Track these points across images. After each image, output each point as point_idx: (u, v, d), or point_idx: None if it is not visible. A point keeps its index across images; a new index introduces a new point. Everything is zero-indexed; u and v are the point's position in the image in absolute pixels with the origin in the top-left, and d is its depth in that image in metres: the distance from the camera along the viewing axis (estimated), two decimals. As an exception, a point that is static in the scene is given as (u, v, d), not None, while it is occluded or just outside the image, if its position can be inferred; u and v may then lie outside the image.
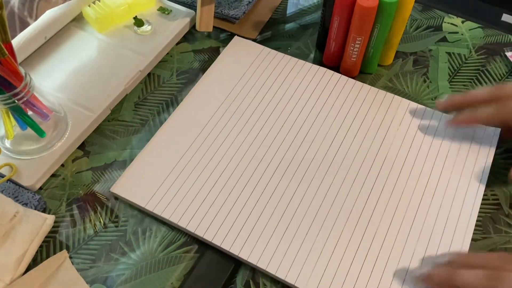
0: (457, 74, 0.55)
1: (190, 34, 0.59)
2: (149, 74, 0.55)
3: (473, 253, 0.41)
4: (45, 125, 0.47)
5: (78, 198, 0.46)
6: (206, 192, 0.45)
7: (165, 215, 0.44)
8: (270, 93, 0.52)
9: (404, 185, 0.46)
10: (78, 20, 0.58)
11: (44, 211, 0.45)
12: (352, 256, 0.42)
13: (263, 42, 0.58)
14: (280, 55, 0.55)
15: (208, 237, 0.42)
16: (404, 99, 0.52)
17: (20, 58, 0.52)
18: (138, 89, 0.54)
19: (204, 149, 0.48)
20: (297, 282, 0.40)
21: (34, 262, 0.42)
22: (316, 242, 0.42)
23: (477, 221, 0.44)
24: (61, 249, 0.43)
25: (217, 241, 0.42)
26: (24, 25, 0.51)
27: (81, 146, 0.49)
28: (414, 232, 0.43)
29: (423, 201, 0.45)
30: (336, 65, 0.55)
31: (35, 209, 0.44)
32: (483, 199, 0.45)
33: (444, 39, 0.58)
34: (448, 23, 0.60)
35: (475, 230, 0.43)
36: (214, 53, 0.57)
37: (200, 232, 0.43)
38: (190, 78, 0.55)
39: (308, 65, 0.54)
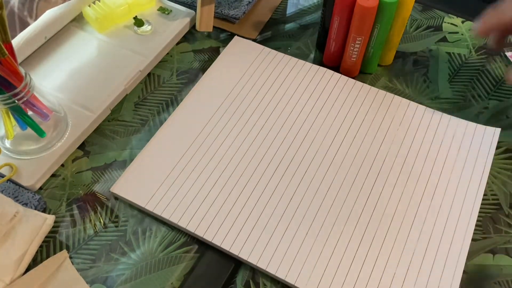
0: (457, 74, 0.55)
1: (190, 34, 0.59)
2: (149, 74, 0.55)
3: None
4: (45, 125, 0.47)
5: (78, 198, 0.46)
6: (206, 192, 0.45)
7: (165, 215, 0.44)
8: (270, 93, 0.52)
9: (404, 185, 0.46)
10: (78, 20, 0.58)
11: (44, 211, 0.45)
12: (352, 256, 0.42)
13: (263, 42, 0.58)
14: (280, 55, 0.55)
15: (208, 237, 0.42)
16: (404, 99, 0.52)
17: (20, 58, 0.52)
18: (138, 89, 0.54)
19: (204, 149, 0.48)
20: (297, 282, 0.40)
21: (34, 262, 0.42)
22: (316, 242, 0.42)
23: (477, 221, 0.44)
24: (61, 249, 0.43)
25: (217, 241, 0.42)
26: (24, 25, 0.51)
27: (81, 146, 0.49)
28: (414, 232, 0.43)
29: (423, 201, 0.45)
30: (336, 65, 0.55)
31: (35, 209, 0.44)
32: (483, 199, 0.45)
33: (444, 39, 0.58)
34: (448, 23, 0.60)
35: (475, 230, 0.43)
36: (214, 53, 0.57)
37: (200, 232, 0.43)
38: (190, 78, 0.55)
39: (308, 65, 0.54)
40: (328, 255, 0.42)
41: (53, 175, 0.47)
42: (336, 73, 0.54)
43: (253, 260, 0.41)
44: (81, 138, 0.49)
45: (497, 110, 0.52)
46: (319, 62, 0.56)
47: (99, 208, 0.45)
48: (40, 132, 0.46)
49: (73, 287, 0.40)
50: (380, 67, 0.55)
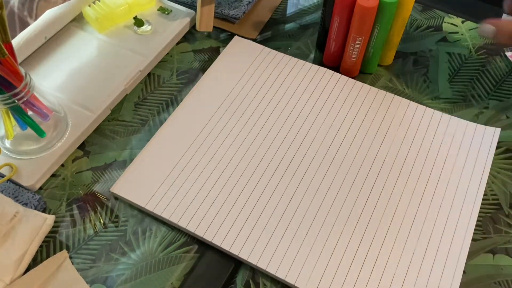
0: (457, 74, 0.55)
1: (190, 34, 0.59)
2: (149, 74, 0.55)
3: None
4: (45, 125, 0.47)
5: (78, 198, 0.46)
6: (206, 192, 0.45)
7: (165, 215, 0.44)
8: (270, 93, 0.52)
9: (404, 185, 0.46)
10: (78, 20, 0.58)
11: (44, 211, 0.45)
12: (352, 256, 0.42)
13: (263, 42, 0.58)
14: (280, 55, 0.55)
15: (208, 237, 0.42)
16: (404, 99, 0.52)
17: (20, 58, 0.52)
18: (138, 89, 0.54)
19: (204, 149, 0.48)
20: (297, 282, 0.40)
21: (34, 262, 0.42)
22: (316, 242, 0.42)
23: (477, 221, 0.44)
24: (61, 249, 0.43)
25: (217, 241, 0.42)
26: (24, 25, 0.51)
27: (81, 146, 0.49)
28: (414, 232, 0.43)
29: (423, 201, 0.45)
30: (336, 65, 0.55)
31: (35, 209, 0.44)
32: (483, 199, 0.45)
33: (444, 39, 0.58)
34: (448, 23, 0.60)
35: (475, 230, 0.43)
36: (214, 53, 0.57)
37: (200, 232, 0.43)
38: (190, 78, 0.55)
39: (308, 65, 0.54)
40: (328, 255, 0.42)
41: (53, 175, 0.47)
42: (336, 73, 0.54)
43: (253, 260, 0.41)
44: (81, 138, 0.49)
45: (497, 110, 0.52)
46: (319, 62, 0.56)
47: (99, 208, 0.45)
48: (40, 132, 0.46)
49: (73, 287, 0.40)
50: (380, 67, 0.55)
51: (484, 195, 0.45)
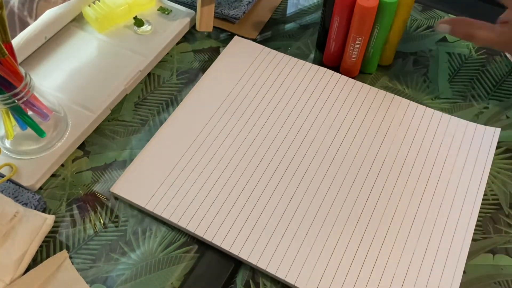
0: (457, 74, 0.55)
1: (190, 34, 0.59)
2: (149, 74, 0.55)
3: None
4: (45, 125, 0.47)
5: (78, 198, 0.46)
6: (206, 192, 0.45)
7: (165, 215, 0.44)
8: (270, 93, 0.52)
9: (404, 185, 0.46)
10: (78, 20, 0.58)
11: (44, 211, 0.45)
12: (352, 256, 0.42)
13: (263, 42, 0.58)
14: (280, 55, 0.55)
15: (208, 237, 0.42)
16: (404, 99, 0.52)
17: (20, 58, 0.52)
18: (138, 89, 0.54)
19: (204, 149, 0.48)
20: (297, 282, 0.40)
21: (34, 262, 0.42)
22: (316, 242, 0.42)
23: (477, 221, 0.44)
24: (61, 249, 0.43)
25: (217, 241, 0.42)
26: (24, 25, 0.51)
27: (81, 146, 0.49)
28: (414, 232, 0.43)
29: (423, 201, 0.45)
30: (336, 65, 0.55)
31: (35, 209, 0.44)
32: (483, 199, 0.45)
33: (444, 39, 0.58)
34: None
35: (475, 230, 0.43)
36: (214, 53, 0.57)
37: (200, 232, 0.43)
38: (190, 78, 0.55)
39: (308, 65, 0.54)
40: (328, 255, 0.42)
41: (53, 175, 0.47)
42: (336, 73, 0.54)
43: (253, 260, 0.41)
44: (81, 138, 0.49)
45: (497, 110, 0.52)
46: (319, 62, 0.56)
47: (99, 208, 0.45)
48: (40, 132, 0.46)
49: (73, 287, 0.40)
50: (380, 67, 0.55)
51: (484, 195, 0.45)
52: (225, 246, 0.42)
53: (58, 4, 0.54)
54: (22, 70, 0.43)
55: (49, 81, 0.52)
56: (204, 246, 0.43)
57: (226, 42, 0.57)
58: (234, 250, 0.42)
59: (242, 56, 0.55)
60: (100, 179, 0.47)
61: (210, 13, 0.56)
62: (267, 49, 0.56)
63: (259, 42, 0.57)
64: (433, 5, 0.61)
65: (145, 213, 0.45)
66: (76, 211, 0.45)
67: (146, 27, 0.57)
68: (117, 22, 0.58)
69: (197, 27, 0.57)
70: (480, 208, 0.45)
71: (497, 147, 0.49)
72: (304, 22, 0.60)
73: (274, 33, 0.59)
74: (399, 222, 0.43)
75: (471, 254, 0.42)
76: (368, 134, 0.49)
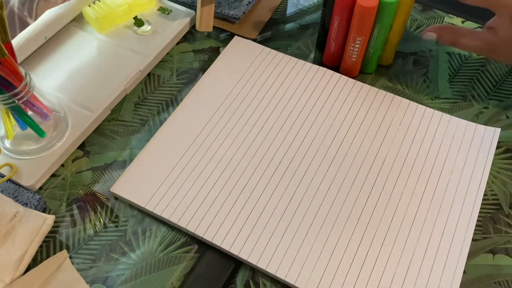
0: (457, 74, 0.55)
1: (190, 34, 0.59)
2: (149, 74, 0.55)
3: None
4: (45, 125, 0.47)
5: (78, 198, 0.46)
6: (206, 192, 0.45)
7: (165, 215, 0.44)
8: (270, 93, 0.52)
9: (404, 185, 0.46)
10: (78, 20, 0.58)
11: (44, 211, 0.45)
12: (352, 256, 0.42)
13: (263, 42, 0.58)
14: (280, 55, 0.55)
15: (208, 237, 0.42)
16: (404, 99, 0.52)
17: (20, 58, 0.52)
18: (138, 89, 0.54)
19: (204, 149, 0.48)
20: (297, 282, 0.40)
21: (34, 262, 0.42)
22: (316, 242, 0.42)
23: (477, 221, 0.44)
24: (61, 249, 0.43)
25: (217, 241, 0.42)
26: (24, 25, 0.51)
27: (81, 146, 0.49)
28: (414, 232, 0.43)
29: (423, 201, 0.45)
30: (336, 65, 0.55)
31: (35, 209, 0.44)
32: (483, 199, 0.45)
33: (444, 39, 0.58)
34: (448, 23, 0.60)
35: (475, 230, 0.43)
36: (214, 53, 0.57)
37: (200, 232, 0.43)
38: (190, 78, 0.55)
39: (308, 65, 0.54)
40: (328, 255, 0.42)
41: (53, 175, 0.47)
42: (336, 73, 0.54)
43: (253, 260, 0.41)
44: (81, 138, 0.49)
45: (497, 110, 0.52)
46: (319, 62, 0.56)
47: (99, 208, 0.45)
48: (40, 132, 0.46)
49: (73, 287, 0.40)
50: (380, 67, 0.55)
51: (484, 195, 0.45)
52: (225, 246, 0.42)
53: (58, 4, 0.54)
54: (22, 70, 0.43)
55: (49, 81, 0.52)
56: (204, 246, 0.43)
57: (226, 42, 0.57)
58: (234, 250, 0.42)
59: (242, 56, 0.55)
60: (100, 179, 0.47)
61: (210, 13, 0.56)
62: (267, 49, 0.56)
63: (259, 42, 0.57)
64: (433, 5, 0.61)
65: (145, 213, 0.45)
66: (76, 211, 0.45)
67: (146, 27, 0.57)
68: (117, 22, 0.58)
69: (197, 27, 0.57)
70: (480, 208, 0.45)
71: (497, 147, 0.49)
72: (304, 22, 0.60)
73: (274, 33, 0.59)
74: (399, 222, 0.43)
75: (471, 254, 0.42)
76: (368, 134, 0.49)
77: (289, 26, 0.60)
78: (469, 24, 0.59)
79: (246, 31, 0.59)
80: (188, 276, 0.41)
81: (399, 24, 0.50)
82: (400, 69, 0.55)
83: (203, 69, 0.55)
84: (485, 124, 0.50)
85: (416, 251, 0.42)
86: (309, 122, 0.50)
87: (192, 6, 0.59)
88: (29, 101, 0.44)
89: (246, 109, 0.51)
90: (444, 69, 0.55)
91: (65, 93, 0.51)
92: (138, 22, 0.57)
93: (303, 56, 0.56)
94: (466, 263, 0.41)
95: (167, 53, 0.57)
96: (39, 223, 0.42)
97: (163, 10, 0.59)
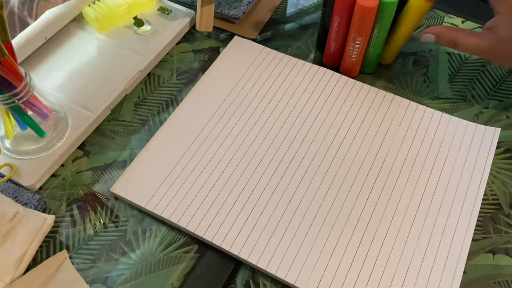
0: (457, 74, 0.55)
1: (190, 34, 0.59)
2: (149, 74, 0.55)
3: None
4: (45, 125, 0.47)
5: (78, 198, 0.46)
6: (206, 192, 0.45)
7: (165, 215, 0.44)
8: (270, 93, 0.52)
9: (404, 185, 0.46)
10: (78, 20, 0.58)
11: (44, 211, 0.45)
12: (352, 256, 0.42)
13: (263, 42, 0.58)
14: (280, 55, 0.55)
15: (208, 237, 0.42)
16: (404, 99, 0.52)
17: (20, 58, 0.52)
18: (138, 89, 0.54)
19: (204, 149, 0.48)
20: (297, 282, 0.40)
21: (34, 262, 0.42)
22: (316, 242, 0.42)
23: (477, 221, 0.44)
24: (61, 249, 0.43)
25: (217, 241, 0.42)
26: (24, 25, 0.51)
27: (81, 146, 0.49)
28: (414, 232, 0.43)
29: (423, 201, 0.45)
30: (336, 65, 0.55)
31: (35, 209, 0.44)
32: (483, 199, 0.45)
33: (444, 39, 0.58)
34: (448, 23, 0.59)
35: (475, 230, 0.43)
36: (214, 53, 0.57)
37: (200, 232, 0.43)
38: (190, 78, 0.55)
39: (308, 65, 0.54)
40: (328, 255, 0.42)
41: (53, 175, 0.47)
42: (336, 73, 0.54)
43: (253, 260, 0.41)
44: (81, 138, 0.49)
45: (497, 110, 0.52)
46: (319, 62, 0.56)
47: (99, 208, 0.45)
48: (40, 132, 0.46)
49: (73, 287, 0.40)
50: (380, 67, 0.55)
51: (484, 195, 0.45)
52: (225, 246, 0.42)
53: (58, 4, 0.54)
54: (22, 70, 0.43)
55: (49, 81, 0.52)
56: (204, 246, 0.43)
57: (226, 42, 0.57)
58: (234, 250, 0.42)
59: (242, 56, 0.55)
60: (100, 179, 0.47)
61: (210, 13, 0.56)
62: (267, 49, 0.56)
63: (259, 42, 0.57)
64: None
65: (145, 213, 0.45)
66: (76, 211, 0.45)
67: (146, 27, 0.57)
68: (117, 22, 0.58)
69: (197, 27, 0.57)
70: (480, 208, 0.45)
71: (497, 147, 0.49)
72: (304, 22, 0.60)
73: (274, 33, 0.59)
74: (399, 222, 0.43)
75: (471, 254, 0.42)
76: (368, 134, 0.49)
77: (289, 26, 0.60)
78: (469, 24, 0.59)
79: (246, 31, 0.59)
80: (188, 276, 0.41)
81: (409, 28, 0.50)
82: (400, 69, 0.55)
83: (203, 69, 0.55)
84: (485, 124, 0.50)
85: (416, 251, 0.42)
86: (309, 122, 0.50)
87: (192, 6, 0.59)
88: (29, 101, 0.44)
89: (246, 109, 0.51)
90: (444, 69, 0.55)
91: (65, 93, 0.51)
92: (138, 22, 0.57)
93: (303, 56, 0.56)
94: (466, 263, 0.41)
95: (167, 53, 0.57)
96: (39, 223, 0.42)
97: (163, 10, 0.59)
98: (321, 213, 0.44)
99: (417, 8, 0.48)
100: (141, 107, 0.52)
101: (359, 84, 0.53)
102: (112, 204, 0.45)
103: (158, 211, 0.44)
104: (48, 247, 0.43)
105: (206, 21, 0.56)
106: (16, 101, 0.43)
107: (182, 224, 0.43)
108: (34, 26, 0.53)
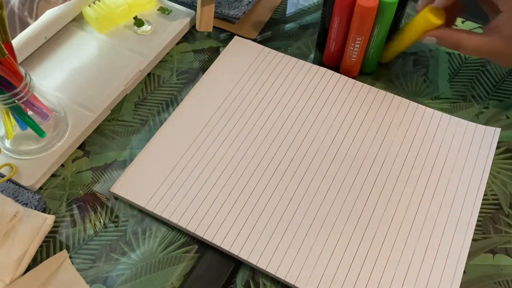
0: (457, 74, 0.55)
1: (190, 34, 0.59)
2: (149, 74, 0.55)
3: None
4: (45, 125, 0.47)
5: (78, 198, 0.46)
6: (206, 192, 0.45)
7: (165, 215, 0.44)
8: (270, 93, 0.52)
9: (404, 185, 0.46)
10: (78, 20, 0.58)
11: (44, 211, 0.45)
12: (352, 256, 0.42)
13: (263, 42, 0.58)
14: (280, 55, 0.55)
15: (208, 237, 0.42)
16: (404, 99, 0.52)
17: (20, 58, 0.52)
18: (138, 89, 0.54)
19: (204, 149, 0.48)
20: (297, 282, 0.40)
21: (34, 262, 0.42)
22: (316, 242, 0.42)
23: (477, 221, 0.44)
24: (61, 249, 0.43)
25: (217, 241, 0.42)
26: (24, 25, 0.51)
27: (81, 146, 0.49)
28: (414, 232, 0.43)
29: (423, 201, 0.45)
30: (336, 65, 0.55)
31: (35, 209, 0.44)
32: (483, 199, 0.45)
33: (444, 39, 0.58)
34: (448, 23, 0.59)
35: (475, 230, 0.43)
36: (214, 53, 0.57)
37: (200, 232, 0.43)
38: (190, 78, 0.55)
39: (308, 65, 0.54)
40: (328, 255, 0.42)
41: (53, 175, 0.47)
42: (336, 73, 0.54)
43: (253, 260, 0.41)
44: (81, 138, 0.49)
45: (497, 110, 0.52)
46: (319, 62, 0.56)
47: (99, 208, 0.45)
48: (40, 132, 0.46)
49: (73, 287, 0.40)
50: (380, 67, 0.55)
51: (484, 195, 0.45)
52: (225, 246, 0.42)
53: (58, 4, 0.54)
54: (22, 70, 0.43)
55: (49, 81, 0.52)
56: (204, 246, 0.43)
57: (226, 42, 0.57)
58: (234, 250, 0.42)
59: (242, 56, 0.55)
60: (100, 179, 0.47)
61: (210, 13, 0.56)
62: (267, 49, 0.56)
63: (259, 42, 0.57)
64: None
65: (145, 213, 0.45)
66: (76, 211, 0.45)
67: (146, 27, 0.57)
68: (117, 22, 0.58)
69: (197, 27, 0.57)
70: (480, 208, 0.45)
71: (497, 147, 0.49)
72: (304, 22, 0.60)
73: (274, 33, 0.59)
74: (399, 222, 0.43)
75: (471, 254, 0.42)
76: (368, 134, 0.49)
77: (289, 26, 0.60)
78: (469, 24, 0.59)
79: (246, 31, 0.59)
80: (188, 276, 0.41)
81: (412, 40, 0.50)
82: (400, 69, 0.55)
83: (203, 69, 0.55)
84: (485, 124, 0.50)
85: (416, 251, 0.42)
86: (309, 122, 0.50)
87: (192, 6, 0.59)
88: (29, 101, 0.44)
89: (246, 109, 0.51)
90: (444, 69, 0.55)
91: (65, 93, 0.51)
92: (138, 22, 0.57)
93: (303, 56, 0.56)
94: (466, 263, 0.41)
95: (167, 53, 0.57)
96: (39, 223, 0.42)
97: (163, 10, 0.59)
98: (321, 213, 0.44)
99: (426, 24, 0.48)
100: (141, 107, 0.52)
101: (359, 84, 0.53)
102: (112, 204, 0.45)
103: (158, 211, 0.44)
104: (48, 247, 0.43)
105: (206, 21, 0.56)
106: (16, 101, 0.43)
107: (182, 224, 0.43)
108: (34, 26, 0.53)
